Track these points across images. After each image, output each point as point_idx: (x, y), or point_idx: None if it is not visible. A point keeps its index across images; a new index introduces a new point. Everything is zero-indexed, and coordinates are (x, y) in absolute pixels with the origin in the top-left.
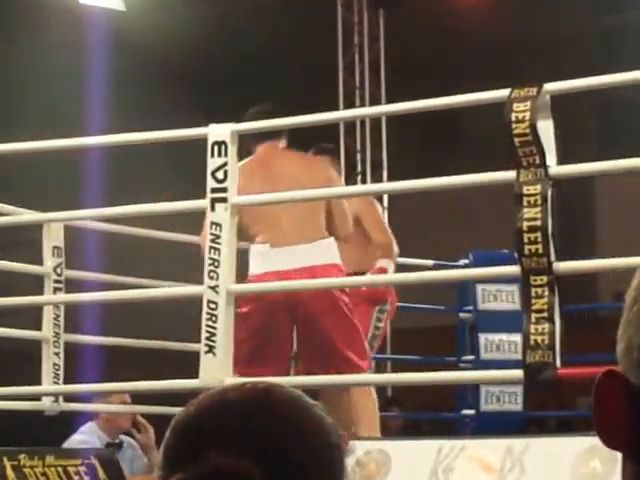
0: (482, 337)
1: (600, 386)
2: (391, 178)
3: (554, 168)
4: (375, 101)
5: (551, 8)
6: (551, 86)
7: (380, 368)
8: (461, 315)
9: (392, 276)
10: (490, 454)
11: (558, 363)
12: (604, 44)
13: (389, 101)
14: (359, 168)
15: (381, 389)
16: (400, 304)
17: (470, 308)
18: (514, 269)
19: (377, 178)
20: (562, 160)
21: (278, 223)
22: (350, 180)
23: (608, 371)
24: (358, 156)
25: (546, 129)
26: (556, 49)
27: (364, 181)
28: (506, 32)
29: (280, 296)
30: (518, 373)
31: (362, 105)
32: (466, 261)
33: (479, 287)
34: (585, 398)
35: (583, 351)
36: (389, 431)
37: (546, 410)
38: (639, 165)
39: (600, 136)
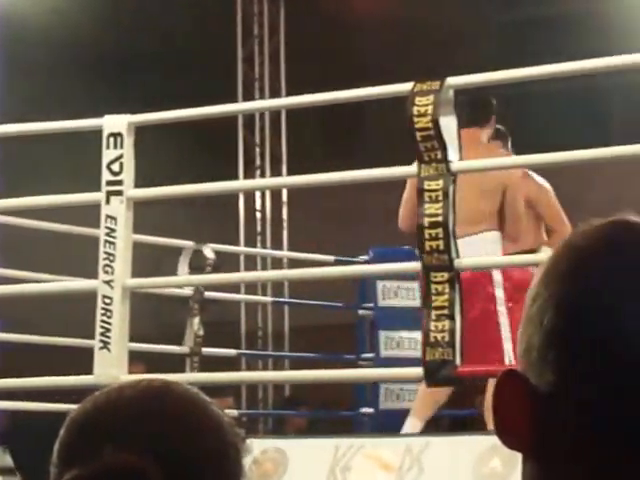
0: (382, 334)
1: (500, 386)
2: (291, 172)
3: (456, 163)
4: (275, 93)
5: (456, 1)
6: (454, 80)
7: (278, 366)
8: (361, 312)
9: (292, 272)
10: (389, 453)
11: (458, 361)
12: (508, 39)
13: (289, 94)
14: (258, 162)
15: (279, 387)
16: (299, 301)
17: (370, 305)
18: (415, 265)
19: (277, 172)
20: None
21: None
22: (249, 174)
23: (508, 371)
24: (257, 150)
25: (448, 124)
26: (460, 43)
27: (263, 175)
28: (410, 25)
29: None
30: (418, 371)
31: (262, 97)
32: (366, 257)
33: (379, 284)
34: (482, 397)
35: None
36: (290, 430)
37: (445, 408)
38: (544, 161)
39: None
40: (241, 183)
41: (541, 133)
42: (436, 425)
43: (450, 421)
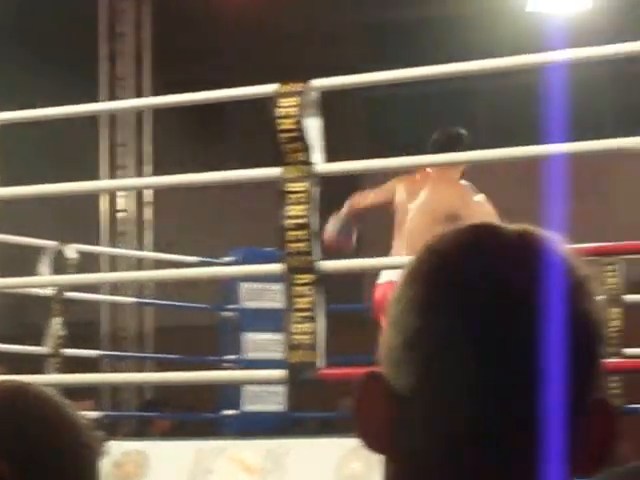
0: (245, 336)
1: (361, 388)
2: (156, 172)
3: (320, 165)
4: (139, 92)
5: (323, 3)
6: (319, 82)
7: (141, 367)
8: (224, 314)
9: (157, 273)
10: (251, 455)
11: (321, 363)
12: (373, 40)
13: (154, 93)
14: (122, 162)
15: (142, 389)
16: (163, 302)
17: (234, 306)
18: (278, 267)
19: (141, 172)
20: (331, 157)
21: None
22: (112, 174)
23: (370, 373)
24: (119, 150)
25: (313, 126)
26: (326, 44)
27: (127, 175)
28: (276, 26)
29: None
30: (280, 373)
31: (126, 96)
32: (231, 258)
33: (243, 285)
34: (346, 399)
35: (350, 351)
36: (153, 432)
37: (309, 411)
38: (406, 163)
39: (369, 134)
40: (105, 183)
41: (405, 135)
42: (302, 427)
43: (318, 423)
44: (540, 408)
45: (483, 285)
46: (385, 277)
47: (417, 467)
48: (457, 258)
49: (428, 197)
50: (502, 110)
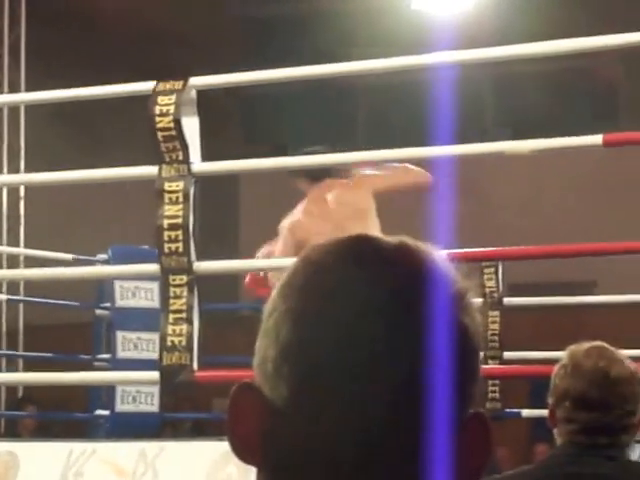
0: (119, 335)
1: (235, 399)
2: (30, 168)
3: (197, 165)
4: (14, 87)
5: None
6: (197, 80)
7: (12, 365)
8: (98, 312)
9: (29, 271)
10: (123, 458)
11: (195, 366)
12: (253, 37)
13: (29, 88)
14: None
15: (12, 387)
16: (35, 299)
17: (108, 305)
18: (153, 267)
19: (15, 168)
20: (209, 157)
21: None
22: None
23: (243, 384)
24: None
25: (191, 124)
26: (205, 42)
27: (0, 171)
28: (155, 22)
29: None
30: (154, 375)
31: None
32: (105, 256)
33: (117, 283)
34: (221, 400)
35: (225, 351)
36: (22, 431)
37: (182, 412)
38: (281, 164)
39: (246, 134)
40: None
41: (284, 134)
42: (175, 429)
43: (192, 424)
44: (425, 422)
45: (360, 297)
46: None
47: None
48: (333, 269)
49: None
50: (384, 109)
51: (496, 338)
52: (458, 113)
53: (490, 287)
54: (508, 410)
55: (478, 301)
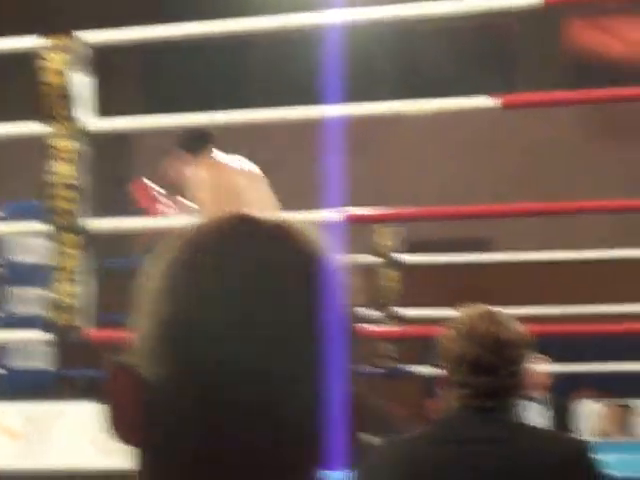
0: (13, 291)
1: (111, 379)
2: None
3: (88, 122)
4: None
5: None
6: (89, 36)
7: None
8: None
9: None
10: (15, 420)
11: (86, 325)
12: None
13: None
14: None
15: None
16: None
17: (0, 260)
18: (45, 226)
19: None
20: (105, 113)
21: None
22: None
23: (118, 363)
24: None
25: (82, 81)
26: None
27: None
28: None
29: None
30: (45, 334)
31: None
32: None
33: (13, 238)
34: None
35: (122, 308)
36: None
37: (76, 369)
38: (171, 123)
39: (145, 89)
40: None
41: (180, 91)
42: (71, 387)
43: (86, 382)
44: (311, 401)
45: (239, 276)
46: None
47: (170, 463)
48: (213, 248)
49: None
50: (278, 66)
51: (394, 297)
52: (354, 71)
53: (387, 246)
54: (402, 367)
55: (376, 261)
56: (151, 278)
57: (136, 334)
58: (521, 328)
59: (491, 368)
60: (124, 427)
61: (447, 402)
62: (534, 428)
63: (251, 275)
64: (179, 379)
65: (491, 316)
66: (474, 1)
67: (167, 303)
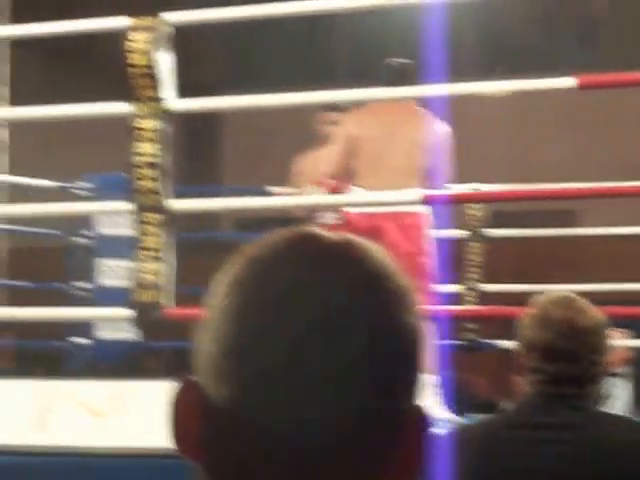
0: (100, 262)
1: (177, 396)
2: (14, 101)
3: (172, 103)
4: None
5: None
6: (171, 16)
7: None
8: (74, 238)
9: (7, 208)
10: (96, 397)
11: (167, 304)
12: None
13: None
14: None
15: None
16: (15, 227)
17: (87, 232)
18: (127, 206)
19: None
20: (188, 94)
21: None
22: None
23: (186, 381)
24: None
25: (165, 61)
26: None
27: None
28: None
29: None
30: (128, 312)
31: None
32: (87, 184)
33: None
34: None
35: (203, 281)
36: None
37: (164, 340)
38: (262, 103)
39: (226, 70)
40: None
41: (267, 72)
42: (157, 357)
43: (174, 352)
44: (359, 421)
45: (303, 297)
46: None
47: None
48: (274, 266)
49: (399, 128)
50: (363, 47)
51: (477, 270)
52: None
53: (473, 216)
54: (485, 341)
55: (462, 234)
56: (214, 297)
57: (201, 353)
58: (600, 315)
59: (568, 355)
60: (185, 442)
61: (523, 387)
62: (612, 416)
63: (316, 298)
64: (246, 401)
65: (568, 302)
66: None
67: (231, 322)
